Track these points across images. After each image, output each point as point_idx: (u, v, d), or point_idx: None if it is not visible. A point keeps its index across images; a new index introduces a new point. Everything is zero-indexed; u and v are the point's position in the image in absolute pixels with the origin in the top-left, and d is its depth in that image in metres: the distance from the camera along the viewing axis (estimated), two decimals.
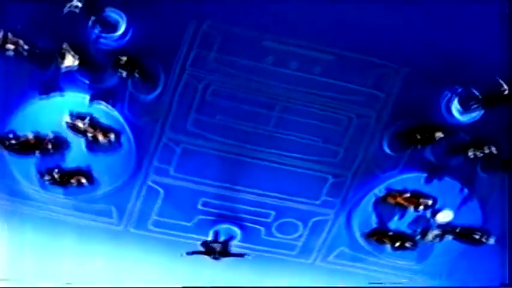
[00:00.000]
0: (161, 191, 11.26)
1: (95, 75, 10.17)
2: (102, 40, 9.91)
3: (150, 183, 11.15)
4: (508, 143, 11.00)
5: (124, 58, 9.78)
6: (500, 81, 9.97)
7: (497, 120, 10.77)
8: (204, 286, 11.54)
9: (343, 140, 11.10)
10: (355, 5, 9.99)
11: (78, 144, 10.43)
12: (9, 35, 9.16)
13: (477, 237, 11.37)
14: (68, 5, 9.07)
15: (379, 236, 11.87)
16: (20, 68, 9.99)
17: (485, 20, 10.22)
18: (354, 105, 10.85)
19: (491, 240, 11.29)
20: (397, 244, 11.56)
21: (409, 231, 11.68)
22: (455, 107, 10.77)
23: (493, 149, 10.55)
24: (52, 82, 10.22)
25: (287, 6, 10.00)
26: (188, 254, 11.19)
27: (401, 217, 11.69)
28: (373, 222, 11.71)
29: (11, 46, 9.23)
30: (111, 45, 9.94)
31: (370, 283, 11.92)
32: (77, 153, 10.52)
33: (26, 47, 9.28)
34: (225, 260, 11.22)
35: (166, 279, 11.52)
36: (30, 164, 10.53)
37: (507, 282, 12.18)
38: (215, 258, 11.22)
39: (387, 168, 11.46)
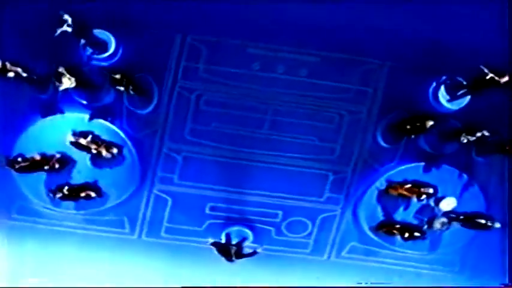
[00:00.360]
0: (169, 199, 11.75)
1: (91, 94, 10.81)
2: (94, 60, 10.64)
3: (156, 192, 11.66)
4: (502, 127, 11.27)
5: (117, 75, 10.46)
6: (483, 68, 10.23)
7: (486, 104, 11.00)
8: (204, 286, 12.06)
9: (338, 137, 11.40)
10: (333, 6, 10.41)
11: (83, 161, 11.11)
12: (8, 64, 9.92)
13: (482, 222, 11.57)
14: (59, 29, 9.77)
15: (387, 228, 12.03)
16: (21, 93, 10.76)
17: (462, 9, 10.49)
18: (343, 102, 11.15)
19: (497, 225, 11.46)
20: (406, 235, 11.76)
21: (415, 221, 11.99)
22: (442, 95, 11.00)
23: (485, 133, 10.75)
24: (52, 104, 10.96)
25: (266, 14, 10.56)
26: (211, 244, 11.72)
27: (406, 208, 11.89)
28: (380, 215, 12.01)
29: (11, 74, 9.98)
30: (103, 64, 10.63)
31: (358, 283, 12.19)
32: (83, 169, 11.14)
33: (24, 74, 10.04)
34: (240, 261, 11.70)
35: (183, 282, 12.08)
36: (40, 183, 11.20)
37: (507, 282, 12.33)
38: (230, 260, 11.72)
39: (385, 161, 11.68)
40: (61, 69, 10.13)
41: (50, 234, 11.71)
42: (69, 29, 9.69)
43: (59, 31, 9.72)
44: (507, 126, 11.16)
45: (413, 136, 11.12)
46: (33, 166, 10.73)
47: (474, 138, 10.81)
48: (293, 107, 11.04)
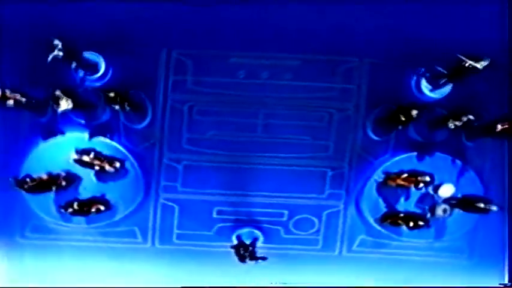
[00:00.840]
0: (175, 206, 12.24)
1: (88, 113, 11.43)
2: (87, 82, 11.27)
3: (163, 200, 12.17)
4: (486, 110, 11.40)
5: (111, 94, 10.99)
6: (461, 57, 10.41)
7: (468, 90, 11.15)
8: (204, 286, 12.36)
9: (330, 134, 11.75)
10: (307, 10, 10.87)
11: (88, 177, 11.69)
12: (7, 91, 10.57)
13: (481, 206, 11.65)
14: (51, 55, 10.37)
15: (392, 219, 12.27)
16: (22, 119, 11.45)
17: (435, 5, 10.81)
18: (330, 101, 11.51)
19: (494, 208, 11.53)
20: (411, 224, 11.95)
21: (418, 210, 12.16)
22: (424, 86, 11.29)
23: (470, 117, 10.88)
24: (52, 126, 11.61)
25: (244, 25, 11.06)
26: (232, 247, 12.04)
27: (406, 198, 12.09)
28: (382, 206, 12.22)
29: (10, 101, 10.64)
30: (96, 84, 11.25)
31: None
32: (89, 185, 11.76)
33: (23, 99, 10.68)
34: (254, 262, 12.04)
35: (201, 283, 12.41)
36: (49, 201, 11.81)
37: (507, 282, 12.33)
38: (244, 261, 12.02)
39: (378, 154, 11.93)
40: (58, 93, 10.86)
41: (64, 249, 12.25)
42: (61, 53, 10.39)
43: (51, 56, 10.43)
44: (490, 109, 11.42)
45: (401, 127, 11.41)
46: (41, 185, 11.42)
47: (461, 123, 11.06)
48: (282, 109, 11.46)
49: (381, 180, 12.13)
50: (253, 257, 12.09)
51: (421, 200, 12.12)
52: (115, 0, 11.13)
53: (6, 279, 12.21)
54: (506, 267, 12.36)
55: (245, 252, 11.98)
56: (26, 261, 12.35)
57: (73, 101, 10.91)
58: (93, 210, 11.77)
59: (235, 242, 12.25)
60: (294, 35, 10.97)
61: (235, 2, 11.03)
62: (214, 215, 12.45)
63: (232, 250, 11.87)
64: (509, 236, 12.21)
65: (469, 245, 12.55)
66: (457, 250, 12.59)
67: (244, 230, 12.54)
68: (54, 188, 11.61)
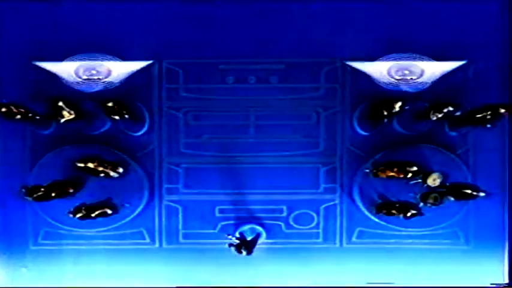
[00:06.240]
0: (179, 207, 12.78)
1: (90, 123, 12.09)
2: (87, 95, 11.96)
3: (166, 202, 12.77)
4: (465, 100, 11.76)
5: (110, 104, 11.60)
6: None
7: (447, 82, 11.53)
8: (204, 286, 12.81)
9: (319, 132, 12.15)
10: (284, 19, 11.44)
11: (94, 182, 12.33)
12: (12, 107, 11.26)
13: (469, 192, 11.99)
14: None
15: (386, 209, 12.68)
16: (27, 133, 12.18)
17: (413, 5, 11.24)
18: (316, 100, 11.94)
19: (481, 193, 11.84)
20: (405, 214, 12.29)
21: (410, 199, 12.50)
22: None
23: (450, 108, 11.23)
24: (56, 137, 12.22)
25: (229, 35, 11.62)
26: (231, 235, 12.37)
27: (398, 188, 12.44)
28: (376, 198, 12.62)
29: (18, 116, 11.32)
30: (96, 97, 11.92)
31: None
32: (94, 190, 12.45)
33: (29, 114, 11.35)
34: (260, 259, 12.48)
35: (208, 282, 12.95)
36: (58, 208, 12.46)
37: (507, 282, 12.51)
38: (250, 253, 12.29)
39: (367, 148, 12.34)
40: (61, 104, 11.53)
41: (76, 253, 12.92)
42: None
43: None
44: (468, 99, 11.81)
45: (386, 120, 11.80)
46: (49, 194, 12.18)
47: (442, 114, 11.43)
48: (271, 111, 11.97)
49: (372, 172, 12.60)
50: (249, 244, 12.58)
51: (412, 189, 12.51)
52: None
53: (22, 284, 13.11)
54: (506, 251, 12.73)
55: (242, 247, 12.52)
56: (41, 267, 13.16)
57: (75, 112, 11.74)
58: (100, 214, 12.59)
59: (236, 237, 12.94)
60: (277, 41, 11.67)
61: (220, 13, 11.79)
62: (217, 214, 13.00)
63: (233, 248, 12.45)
64: (509, 219, 12.54)
65: (464, 230, 12.90)
66: (453, 236, 12.96)
67: (247, 227, 13.18)
68: (62, 196, 12.47)
